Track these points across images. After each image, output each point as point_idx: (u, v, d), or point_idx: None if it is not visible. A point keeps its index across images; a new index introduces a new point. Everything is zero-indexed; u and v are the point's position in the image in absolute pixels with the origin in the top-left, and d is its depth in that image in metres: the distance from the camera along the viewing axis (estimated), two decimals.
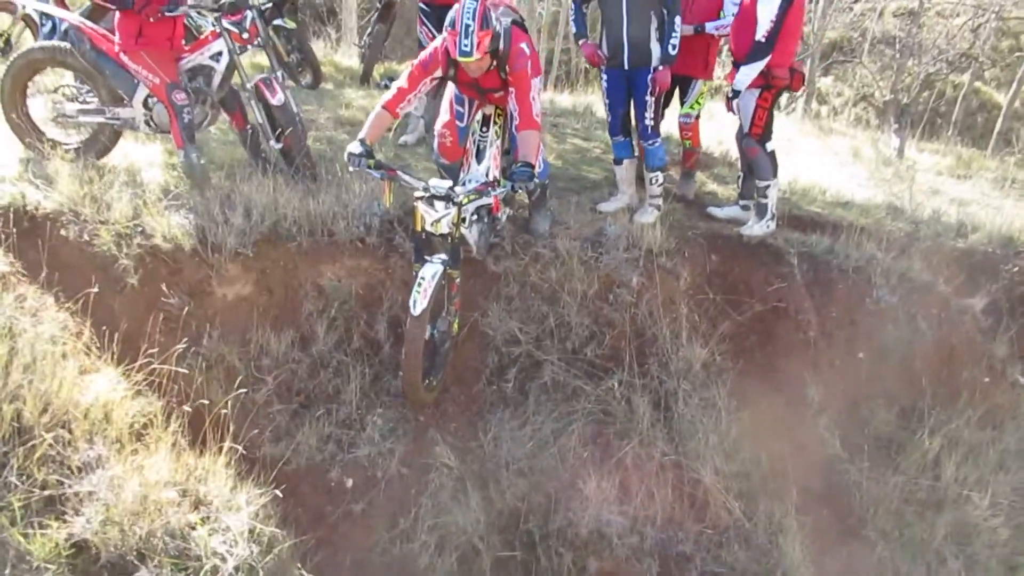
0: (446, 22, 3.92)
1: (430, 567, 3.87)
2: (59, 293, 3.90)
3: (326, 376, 4.25)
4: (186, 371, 3.78)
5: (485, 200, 4.08)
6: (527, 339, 4.52)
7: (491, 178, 4.35)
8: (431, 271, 3.86)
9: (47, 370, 3.59)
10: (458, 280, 4.19)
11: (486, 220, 4.44)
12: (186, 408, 3.72)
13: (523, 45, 4.07)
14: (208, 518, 3.47)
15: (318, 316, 4.37)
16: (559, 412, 4.33)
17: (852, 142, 9.38)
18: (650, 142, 5.01)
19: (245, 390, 3.95)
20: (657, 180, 5.09)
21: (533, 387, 4.42)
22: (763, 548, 4.14)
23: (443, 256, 3.98)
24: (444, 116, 4.56)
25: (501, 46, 3.97)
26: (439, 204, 3.86)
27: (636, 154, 5.23)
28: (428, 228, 3.90)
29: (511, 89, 4.12)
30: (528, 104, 4.04)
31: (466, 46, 3.82)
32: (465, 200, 3.93)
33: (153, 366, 3.77)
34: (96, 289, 3.87)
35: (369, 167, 3.90)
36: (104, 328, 3.84)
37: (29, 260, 4.00)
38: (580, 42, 5.17)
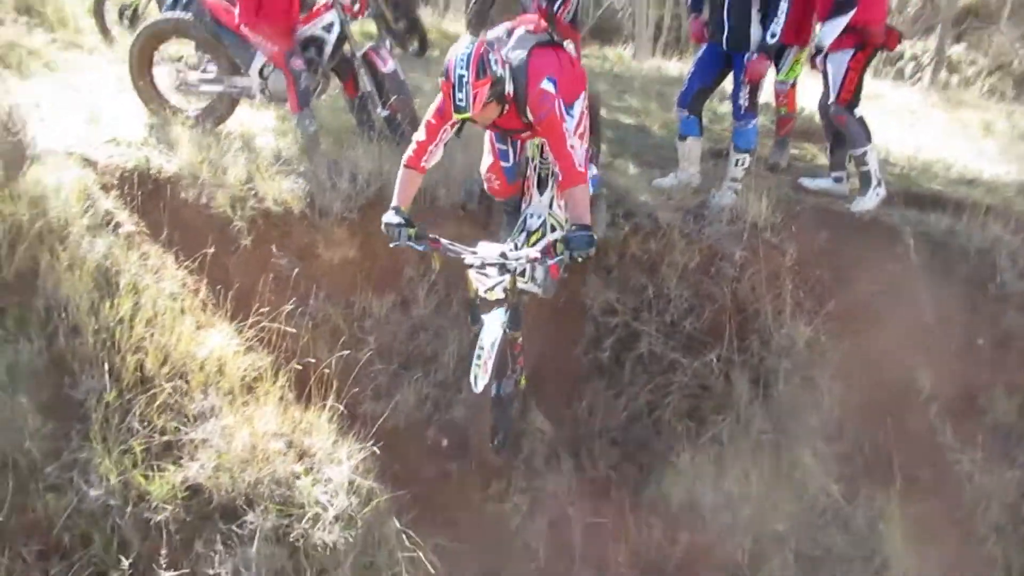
0: (441, 70, 3.49)
1: (521, 528, 3.95)
2: (179, 252, 4.14)
3: (425, 339, 4.36)
4: (294, 330, 3.95)
5: (541, 266, 3.65)
6: (624, 310, 4.49)
7: (555, 208, 3.99)
8: (490, 339, 3.53)
9: (167, 324, 3.83)
10: (520, 339, 3.80)
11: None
12: (293, 365, 3.89)
13: (546, 83, 3.54)
14: (311, 469, 3.65)
15: (419, 281, 4.46)
16: (655, 384, 4.30)
17: (984, 115, 8.77)
18: (742, 123, 4.80)
19: (348, 350, 4.08)
20: (743, 163, 4.85)
21: (629, 358, 4.39)
22: (862, 534, 4.01)
23: (502, 318, 3.61)
24: (487, 157, 4.10)
25: (510, 89, 3.51)
26: (491, 270, 3.51)
27: (702, 133, 5.01)
28: (482, 295, 3.58)
29: (543, 139, 3.73)
30: (567, 155, 3.51)
31: (461, 101, 3.35)
32: (519, 268, 3.54)
33: (263, 324, 3.96)
34: (212, 249, 4.09)
35: (410, 238, 3.54)
36: (219, 286, 4.05)
37: (152, 221, 4.25)
38: (692, 16, 5.01)
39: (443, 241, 3.58)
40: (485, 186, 4.19)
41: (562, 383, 4.39)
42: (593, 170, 4.02)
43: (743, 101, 4.72)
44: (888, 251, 4.62)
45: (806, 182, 5.21)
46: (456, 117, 3.43)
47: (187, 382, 3.69)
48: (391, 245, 3.65)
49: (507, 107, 3.57)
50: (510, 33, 3.75)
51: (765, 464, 4.08)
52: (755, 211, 4.64)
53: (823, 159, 5.61)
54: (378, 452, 3.81)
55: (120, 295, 3.77)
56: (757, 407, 4.19)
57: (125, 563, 3.14)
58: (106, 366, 3.53)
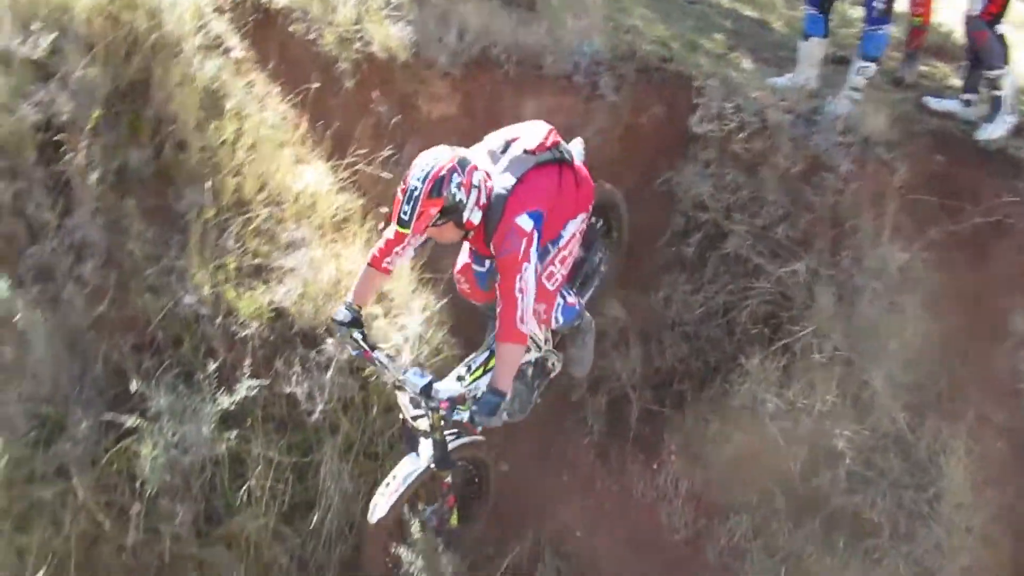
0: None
1: (581, 402, 4.03)
2: (284, 85, 4.17)
3: None
4: (389, 175, 3.98)
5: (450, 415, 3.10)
6: (716, 207, 4.38)
7: (537, 335, 3.56)
8: (406, 471, 3.24)
9: (267, 153, 3.91)
10: (449, 479, 3.40)
11: (528, 377, 3.65)
12: (382, 210, 3.95)
13: (523, 219, 3.04)
14: (389, 312, 3.76)
15: None
16: (735, 286, 4.22)
17: None
18: (874, 27, 4.47)
19: None
20: (866, 71, 4.54)
21: (713, 256, 4.31)
22: (922, 464, 3.96)
23: (428, 452, 3.23)
24: (462, 256, 3.60)
25: (474, 219, 3.04)
26: (417, 400, 3.14)
27: (827, 34, 4.70)
28: (409, 421, 3.25)
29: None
30: (511, 302, 3.01)
31: (405, 214, 2.94)
32: (440, 410, 3.08)
33: (358, 167, 4.01)
34: (316, 86, 4.10)
35: (351, 339, 3.22)
36: (320, 124, 4.09)
37: (261, 50, 4.28)
38: None
39: (376, 355, 3.21)
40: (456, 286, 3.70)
41: (642, 271, 4.35)
42: (571, 298, 3.56)
43: (879, 3, 4.41)
44: (1007, 185, 4.35)
45: (931, 102, 4.88)
46: (399, 230, 3.01)
47: (281, 211, 3.79)
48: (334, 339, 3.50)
49: (472, 233, 3.15)
50: (506, 148, 3.25)
51: (834, 381, 4.02)
52: (871, 125, 4.40)
53: (954, 80, 5.24)
54: (451, 310, 3.92)
55: (225, 118, 3.85)
56: (837, 323, 4.09)
57: (212, 366, 3.33)
58: (208, 184, 3.64)
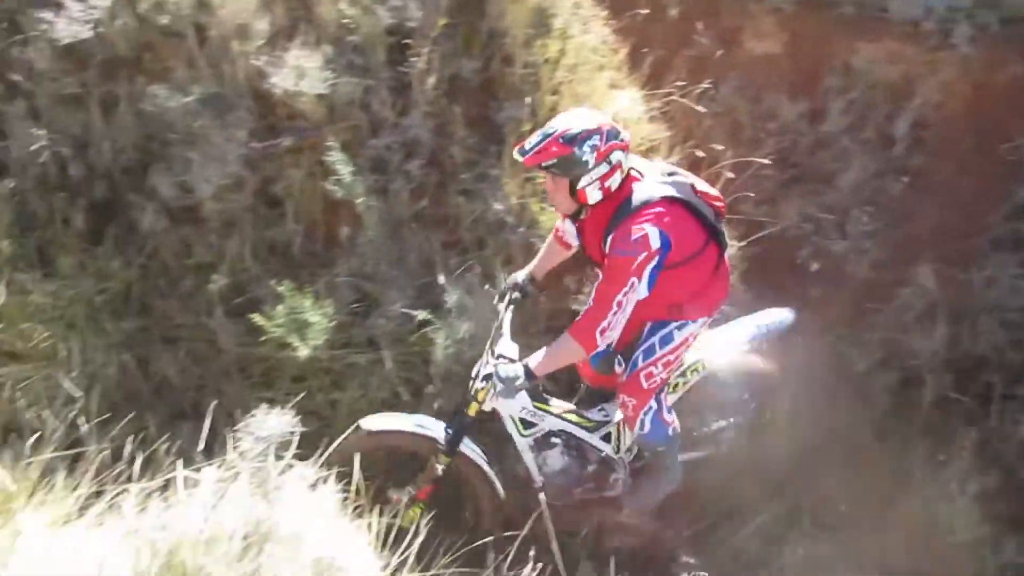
0: None
1: (868, 374, 3.77)
2: (610, 8, 4.18)
3: (825, 157, 4.08)
4: (703, 109, 3.90)
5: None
6: None
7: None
8: (422, 421, 3.11)
9: (585, 75, 3.97)
10: (439, 470, 3.09)
11: (575, 452, 3.31)
12: (689, 147, 3.90)
13: (650, 227, 2.78)
14: None
15: (837, 95, 4.11)
16: None
17: None
18: None
19: (744, 147, 3.98)
20: None
21: None
22: None
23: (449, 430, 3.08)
24: None
25: (586, 189, 2.81)
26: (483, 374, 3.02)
27: None
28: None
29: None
30: (603, 307, 2.78)
31: (529, 143, 2.83)
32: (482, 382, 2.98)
33: (672, 98, 3.96)
34: (642, 12, 4.08)
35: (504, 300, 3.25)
36: (640, 51, 4.08)
37: None
38: None
39: (503, 322, 3.16)
40: None
41: (963, 242, 3.91)
42: (668, 415, 3.17)
43: None
44: None
45: None
46: (515, 155, 2.89)
47: None
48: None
49: (586, 212, 2.93)
50: (672, 175, 2.98)
51: None
52: None
53: None
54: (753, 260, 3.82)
55: (551, 37, 3.95)
56: None
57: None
58: (528, 100, 3.79)
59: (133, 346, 3.53)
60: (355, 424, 3.08)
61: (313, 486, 2.58)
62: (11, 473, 2.84)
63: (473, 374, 3.09)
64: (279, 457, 2.62)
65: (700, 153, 3.90)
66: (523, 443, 3.23)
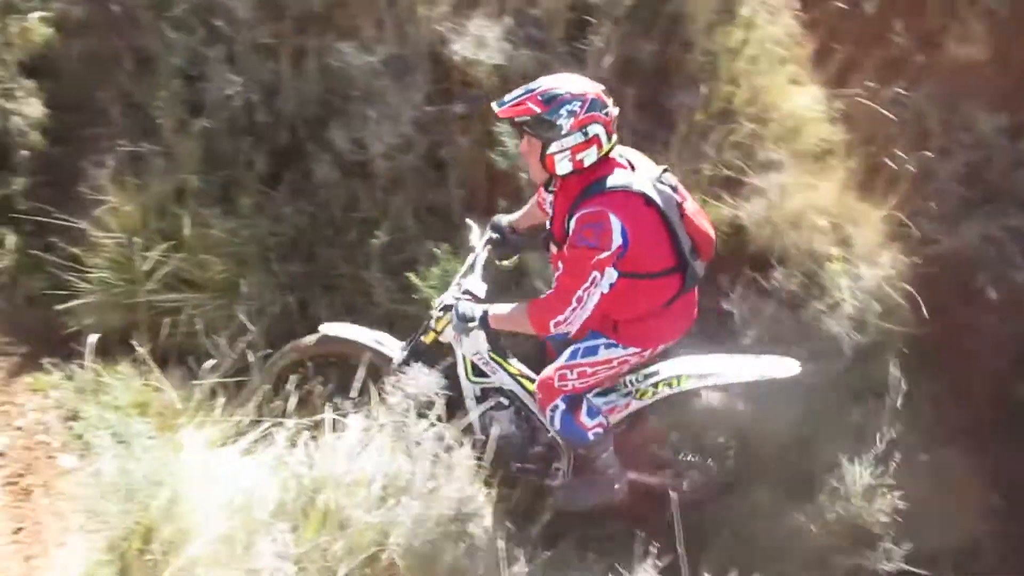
0: None
1: None
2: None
3: (1021, 177, 3.76)
4: (891, 115, 3.67)
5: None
6: None
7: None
8: (384, 341, 3.18)
9: (765, 68, 3.82)
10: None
11: (524, 426, 3.22)
12: (869, 151, 3.68)
13: (617, 227, 2.56)
14: (846, 259, 3.55)
15: None
16: None
17: None
18: None
19: (929, 156, 3.72)
20: None
21: None
22: None
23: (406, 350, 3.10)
24: None
25: (555, 156, 2.60)
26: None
27: None
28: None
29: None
30: (563, 300, 2.64)
31: (508, 95, 2.63)
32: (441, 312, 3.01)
33: (858, 99, 3.75)
34: (836, 4, 3.87)
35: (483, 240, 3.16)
36: (828, 47, 3.87)
37: None
38: None
39: (475, 259, 3.10)
40: None
41: None
42: (589, 419, 2.95)
43: None
44: None
45: None
46: (493, 106, 2.69)
47: (764, 129, 3.72)
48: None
49: (555, 183, 2.79)
50: (671, 185, 2.75)
51: None
52: None
53: None
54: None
55: (735, 24, 3.82)
56: None
57: None
58: (703, 88, 3.69)
59: (295, 289, 3.73)
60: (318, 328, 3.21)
61: (449, 448, 2.67)
62: (180, 392, 3.10)
63: (436, 303, 3.09)
64: (422, 415, 2.72)
65: (881, 159, 3.68)
66: (468, 388, 3.16)
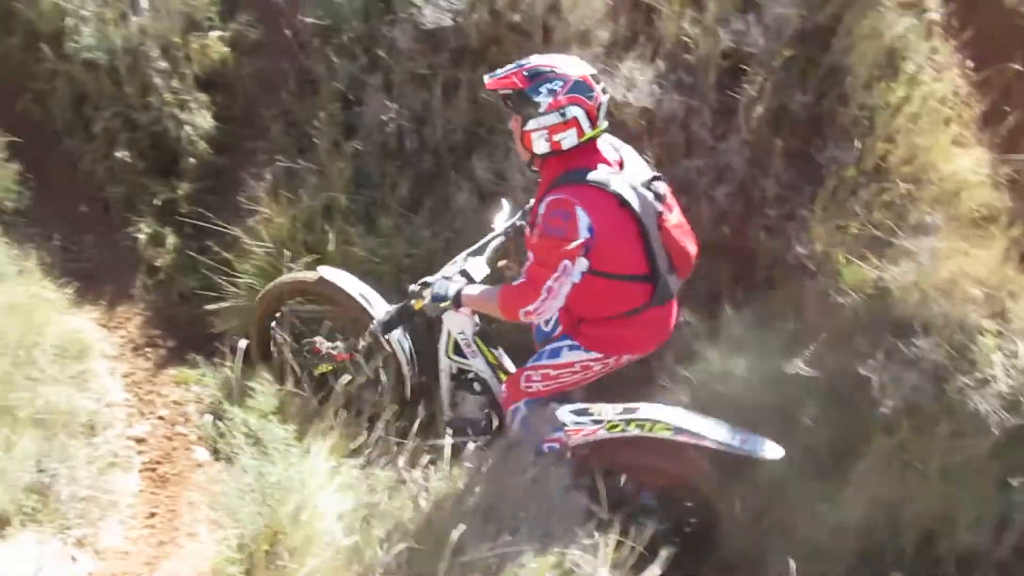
0: None
1: None
2: (973, 59, 3.78)
3: None
4: None
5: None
6: None
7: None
8: (369, 295, 3.29)
9: (926, 127, 3.65)
10: (364, 344, 3.34)
11: (488, 414, 3.22)
12: None
13: (583, 219, 2.55)
14: (1001, 334, 3.32)
15: None
16: None
17: None
18: None
19: None
20: None
21: None
22: None
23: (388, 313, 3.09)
24: None
25: (531, 133, 2.63)
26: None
27: None
28: None
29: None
30: (533, 289, 2.62)
31: (500, 69, 2.66)
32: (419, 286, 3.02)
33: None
34: (1012, 65, 3.65)
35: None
36: (1000, 109, 3.65)
37: (959, 15, 3.90)
38: None
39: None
40: None
41: None
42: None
43: None
44: None
45: None
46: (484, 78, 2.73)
47: (920, 190, 3.55)
48: None
49: (535, 162, 2.75)
50: (656, 193, 2.73)
51: None
52: None
53: None
54: None
55: (897, 80, 3.68)
56: None
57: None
58: (857, 143, 3.56)
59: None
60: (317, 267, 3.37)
61: (567, 489, 2.66)
62: (312, 400, 3.23)
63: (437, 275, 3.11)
64: (539, 453, 2.72)
65: None
66: (445, 363, 3.22)
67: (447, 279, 2.97)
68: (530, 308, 2.65)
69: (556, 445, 2.98)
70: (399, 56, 3.86)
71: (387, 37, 3.88)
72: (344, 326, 3.49)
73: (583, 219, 2.56)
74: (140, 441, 3.45)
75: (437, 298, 2.91)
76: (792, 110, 3.65)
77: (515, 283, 2.75)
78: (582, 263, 2.61)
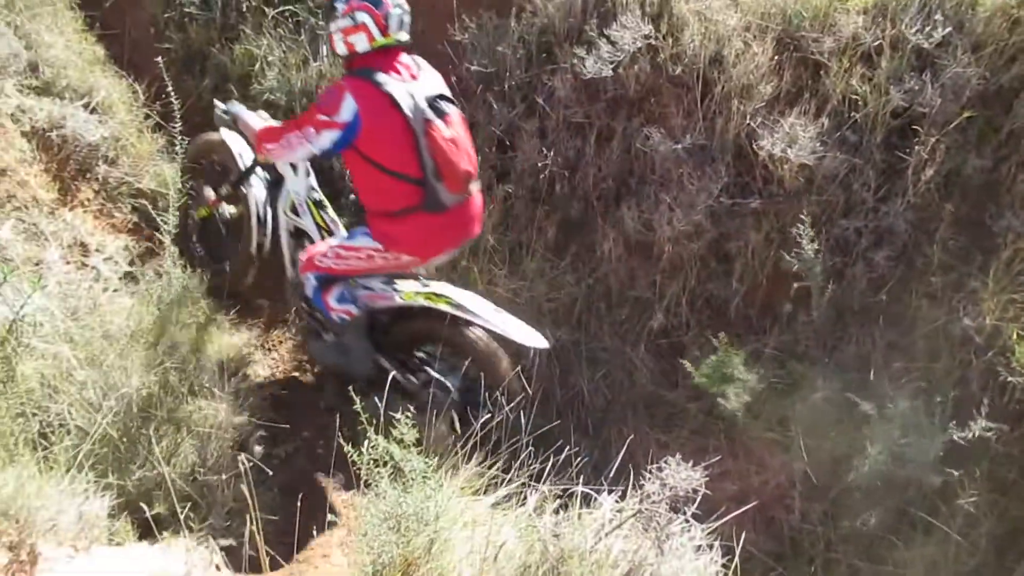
0: None
1: None
2: None
3: None
4: None
5: None
6: None
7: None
8: (241, 149, 3.73)
9: None
10: (224, 190, 3.82)
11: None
12: None
13: (347, 92, 2.97)
14: None
15: None
16: None
17: None
18: None
19: None
20: None
21: None
22: None
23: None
24: None
25: (332, 33, 3.13)
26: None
27: None
28: None
29: None
30: (285, 125, 3.23)
31: None
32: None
33: None
34: None
35: None
36: None
37: None
38: None
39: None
40: None
41: None
42: (336, 303, 3.42)
43: None
44: None
45: None
46: None
47: None
48: None
49: (344, 65, 3.29)
50: (438, 111, 3.04)
51: None
52: None
53: None
54: None
55: None
56: None
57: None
58: None
59: (559, 356, 3.83)
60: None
61: (698, 548, 2.56)
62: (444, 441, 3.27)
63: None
64: (675, 509, 2.64)
65: None
66: (282, 219, 3.63)
67: (244, 107, 3.58)
68: (270, 147, 3.21)
69: (346, 316, 3.39)
70: (556, 104, 3.92)
71: (546, 85, 3.96)
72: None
73: (349, 104, 2.94)
74: (282, 460, 3.61)
75: (221, 108, 3.58)
76: (966, 174, 3.45)
77: (274, 125, 3.33)
78: (327, 138, 2.99)
